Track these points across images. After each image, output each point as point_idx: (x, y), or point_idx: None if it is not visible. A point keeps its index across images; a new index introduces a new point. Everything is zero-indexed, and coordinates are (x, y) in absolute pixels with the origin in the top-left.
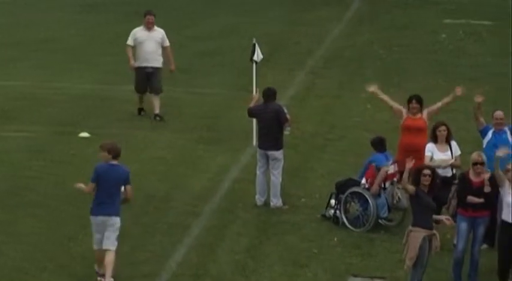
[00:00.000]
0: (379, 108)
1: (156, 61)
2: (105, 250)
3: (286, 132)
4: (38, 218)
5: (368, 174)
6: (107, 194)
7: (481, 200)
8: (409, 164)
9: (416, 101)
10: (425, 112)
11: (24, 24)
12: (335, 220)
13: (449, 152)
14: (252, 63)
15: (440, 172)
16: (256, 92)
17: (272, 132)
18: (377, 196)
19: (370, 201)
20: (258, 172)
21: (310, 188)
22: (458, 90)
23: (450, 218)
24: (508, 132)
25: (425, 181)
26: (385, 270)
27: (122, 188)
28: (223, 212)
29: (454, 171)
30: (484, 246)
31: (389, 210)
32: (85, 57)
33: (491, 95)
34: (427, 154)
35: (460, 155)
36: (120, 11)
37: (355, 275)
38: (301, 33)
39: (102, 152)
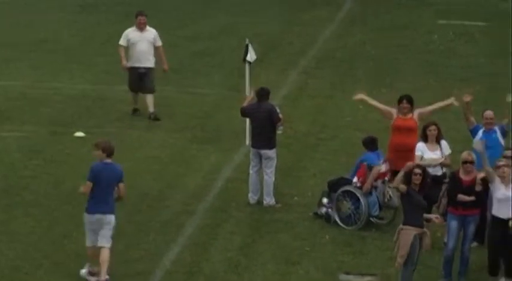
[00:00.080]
0: (371, 108)
1: (149, 61)
2: (100, 248)
3: (279, 131)
4: (34, 217)
5: (359, 173)
6: (102, 193)
7: (472, 198)
8: (409, 165)
9: (407, 101)
10: (416, 113)
11: (19, 25)
12: (327, 218)
13: (439, 152)
14: (245, 63)
15: (430, 171)
16: (250, 92)
17: (265, 131)
18: (368, 194)
19: (361, 199)
20: (251, 171)
21: (303, 186)
22: (454, 102)
23: (439, 217)
24: (498, 132)
25: (416, 179)
26: (376, 267)
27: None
28: (216, 210)
29: (444, 170)
30: (474, 244)
31: (380, 208)
32: (80, 58)
33: (482, 95)
34: (417, 153)
35: (450, 154)
36: (115, 12)
37: (347, 273)
38: (294, 34)
39: (96, 150)
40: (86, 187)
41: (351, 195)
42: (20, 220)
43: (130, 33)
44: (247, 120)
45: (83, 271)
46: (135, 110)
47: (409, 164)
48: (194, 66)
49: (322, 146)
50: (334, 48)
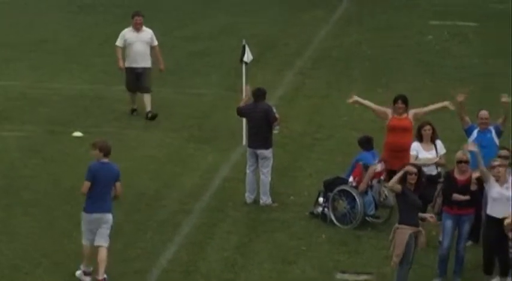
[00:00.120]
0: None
1: (146, 61)
2: (98, 247)
3: (275, 131)
4: (33, 216)
5: (355, 172)
6: (101, 192)
7: (466, 197)
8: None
9: (402, 102)
10: (411, 113)
11: (19, 25)
12: (323, 217)
13: (434, 151)
14: (242, 64)
15: (425, 170)
16: (244, 90)
17: (261, 131)
18: (364, 193)
19: (357, 199)
20: (247, 171)
21: (299, 186)
22: (449, 105)
23: (434, 216)
24: (493, 132)
25: (412, 179)
26: (372, 266)
27: None
28: (213, 210)
29: (439, 169)
30: (469, 243)
31: (376, 208)
32: (79, 58)
33: (476, 95)
34: (412, 153)
35: (445, 153)
36: (113, 13)
37: (343, 272)
38: (290, 35)
39: (93, 150)
40: (84, 186)
41: (346, 194)
42: (19, 219)
43: (127, 33)
44: (244, 120)
45: (78, 273)
46: (133, 110)
47: (410, 168)
48: (192, 67)
49: (318, 146)
50: (330, 49)
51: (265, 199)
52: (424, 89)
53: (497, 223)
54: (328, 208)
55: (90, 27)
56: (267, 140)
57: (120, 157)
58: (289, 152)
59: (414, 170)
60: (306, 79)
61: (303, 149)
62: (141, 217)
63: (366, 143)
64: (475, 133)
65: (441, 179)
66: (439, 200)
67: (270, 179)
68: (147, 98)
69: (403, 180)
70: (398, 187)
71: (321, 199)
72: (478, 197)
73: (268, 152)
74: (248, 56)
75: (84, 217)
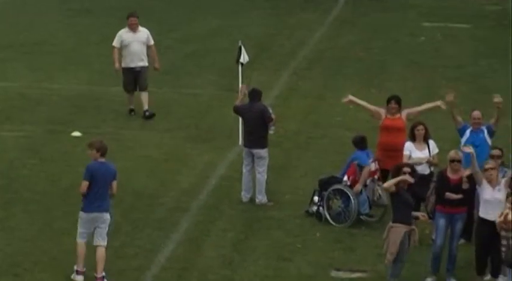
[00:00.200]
0: (360, 108)
1: (142, 61)
2: (96, 246)
3: (271, 131)
4: (32, 214)
5: (349, 172)
6: (98, 192)
7: (459, 196)
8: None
9: (395, 102)
10: (404, 113)
11: (17, 26)
12: (318, 216)
13: (427, 151)
14: (238, 65)
15: (418, 170)
16: (240, 89)
17: (257, 131)
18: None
19: (351, 198)
20: (243, 170)
21: (294, 185)
22: (441, 105)
23: (425, 215)
24: (485, 131)
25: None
26: (366, 264)
27: None
28: (210, 208)
29: (432, 169)
30: (462, 241)
31: (370, 206)
32: (76, 59)
33: (469, 95)
34: (405, 152)
35: (438, 153)
36: (110, 15)
37: (338, 269)
38: (285, 36)
39: (90, 150)
40: (83, 186)
41: (341, 193)
42: (18, 217)
43: (124, 34)
44: (240, 120)
45: (73, 276)
46: (130, 111)
47: (406, 177)
48: (187, 67)
49: (313, 145)
50: (324, 50)
51: (261, 198)
52: (417, 89)
53: (489, 225)
54: (323, 207)
55: (88, 29)
56: (263, 140)
57: (118, 157)
58: (285, 151)
59: (411, 180)
60: (300, 80)
61: (298, 149)
62: (139, 215)
63: (360, 143)
64: (467, 133)
65: (434, 179)
66: (432, 199)
67: (265, 178)
68: (144, 97)
69: (397, 182)
70: (393, 187)
71: (316, 198)
72: (471, 195)
73: (264, 152)
74: (244, 57)
75: (82, 216)
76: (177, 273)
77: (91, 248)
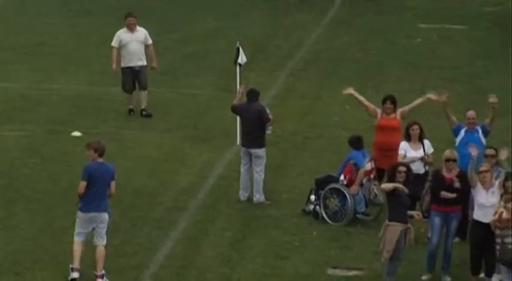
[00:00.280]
0: (357, 108)
1: (141, 60)
2: (96, 246)
3: (269, 131)
4: (33, 212)
5: (346, 171)
6: (97, 192)
7: (454, 195)
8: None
9: (391, 102)
10: (398, 112)
11: (17, 28)
12: (315, 214)
13: (421, 150)
14: (236, 65)
15: (413, 169)
16: (239, 89)
17: (255, 131)
18: None
19: (348, 197)
20: (241, 169)
21: (291, 184)
22: (431, 97)
23: (420, 214)
24: (480, 131)
25: (401, 177)
26: (363, 262)
27: None
28: (208, 207)
29: (427, 168)
30: (457, 239)
31: (366, 205)
32: (76, 60)
33: (464, 96)
34: (401, 152)
35: (433, 153)
36: (109, 16)
37: (334, 267)
38: (282, 37)
39: (88, 151)
40: (80, 186)
41: (337, 192)
42: (19, 216)
43: (122, 34)
44: (238, 120)
45: (69, 273)
46: (130, 111)
47: (401, 187)
48: (185, 68)
49: (310, 145)
50: (321, 51)
51: (259, 197)
52: (413, 90)
53: (484, 227)
54: (319, 206)
55: (88, 30)
56: (260, 140)
57: (118, 156)
58: (282, 151)
59: (406, 190)
60: (297, 80)
61: (295, 148)
62: (138, 214)
63: (356, 143)
64: (462, 133)
65: (429, 178)
66: (427, 198)
67: (263, 177)
68: (143, 96)
69: (393, 179)
70: (390, 187)
71: (312, 197)
72: (465, 194)
73: (261, 151)
74: (242, 58)
75: (80, 216)
76: (176, 271)
77: (91, 247)
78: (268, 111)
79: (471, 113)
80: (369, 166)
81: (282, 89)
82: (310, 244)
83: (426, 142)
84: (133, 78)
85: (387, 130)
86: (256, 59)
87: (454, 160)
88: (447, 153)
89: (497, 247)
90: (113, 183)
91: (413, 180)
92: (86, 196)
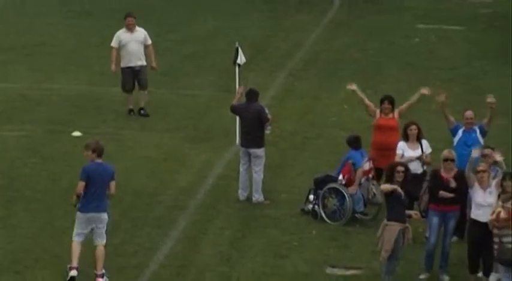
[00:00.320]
0: (355, 108)
1: (140, 60)
2: (96, 245)
3: (267, 131)
4: (33, 212)
5: (344, 171)
6: (95, 192)
7: (452, 195)
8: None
9: (389, 102)
10: (396, 112)
11: (18, 29)
12: (313, 214)
13: (419, 150)
14: (235, 66)
15: (411, 169)
16: (238, 89)
17: (254, 131)
18: None
19: (346, 196)
20: (240, 169)
21: (290, 184)
22: (425, 91)
23: (418, 213)
24: (478, 131)
25: (399, 177)
26: (361, 261)
27: None
28: (207, 206)
29: (425, 168)
30: (455, 238)
31: (365, 205)
32: (76, 60)
33: (463, 97)
34: (398, 151)
35: (431, 152)
36: (109, 17)
37: (333, 266)
38: (281, 38)
39: (87, 151)
40: (78, 186)
41: (336, 192)
42: (19, 215)
43: (122, 34)
44: (237, 120)
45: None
46: (130, 111)
47: (398, 189)
48: (185, 69)
49: (309, 145)
50: (320, 51)
51: (258, 197)
52: (411, 90)
53: (481, 226)
54: (318, 205)
55: (88, 30)
56: (259, 140)
57: (118, 157)
58: (281, 151)
59: (401, 193)
60: (296, 81)
61: (294, 148)
62: (139, 214)
63: (355, 142)
64: (460, 133)
65: (427, 178)
66: (425, 198)
67: (262, 177)
68: (143, 96)
69: (391, 178)
70: (389, 187)
71: (311, 197)
72: (463, 194)
73: (260, 151)
74: (241, 59)
75: (79, 216)
76: (176, 270)
77: (91, 247)
78: (267, 111)
79: (469, 113)
80: (367, 165)
81: (281, 90)
82: (309, 243)
83: (424, 142)
84: (133, 78)
85: (385, 130)
86: (255, 60)
87: (452, 160)
88: (445, 153)
89: (495, 247)
90: (112, 183)
91: (411, 180)
92: (84, 196)
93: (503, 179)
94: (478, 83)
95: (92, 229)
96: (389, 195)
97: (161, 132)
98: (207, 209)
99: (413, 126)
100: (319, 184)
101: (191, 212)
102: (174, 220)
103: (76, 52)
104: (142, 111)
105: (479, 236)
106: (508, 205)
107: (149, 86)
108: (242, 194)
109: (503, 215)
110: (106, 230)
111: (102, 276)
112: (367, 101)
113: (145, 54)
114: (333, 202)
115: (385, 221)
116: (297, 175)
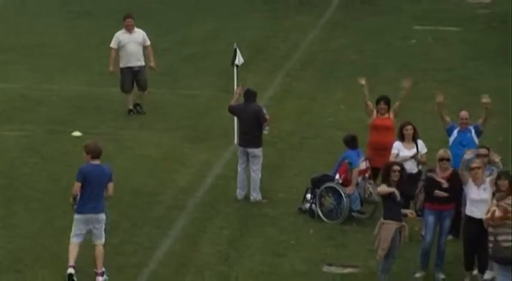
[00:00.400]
0: (352, 108)
1: (139, 61)
2: (95, 245)
3: (265, 132)
4: (33, 212)
5: (341, 170)
6: (92, 193)
7: (447, 194)
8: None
9: (385, 103)
10: (391, 112)
11: (18, 29)
12: (311, 213)
13: (415, 150)
14: (233, 67)
15: (406, 168)
16: (236, 90)
17: (252, 131)
18: None
19: (343, 195)
20: (239, 168)
21: (288, 183)
22: (405, 84)
23: (413, 212)
24: (473, 131)
25: (395, 176)
26: (358, 259)
27: None
28: (206, 206)
29: (420, 167)
30: (450, 237)
31: (361, 203)
32: (76, 61)
33: (460, 98)
34: (394, 151)
35: (427, 152)
36: (109, 17)
37: (330, 265)
38: (279, 39)
39: (84, 152)
40: (74, 187)
41: (333, 191)
42: (19, 214)
43: (120, 35)
44: (236, 120)
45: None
46: (129, 111)
47: (395, 192)
48: (185, 69)
49: (306, 145)
50: (317, 52)
51: (256, 196)
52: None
53: (476, 223)
54: (315, 204)
55: (88, 31)
56: (257, 140)
57: (117, 156)
58: (279, 151)
59: (398, 195)
60: (294, 81)
61: (291, 148)
62: (138, 213)
63: (351, 142)
64: (455, 133)
65: (422, 177)
66: (420, 197)
67: (260, 176)
68: (142, 95)
69: (387, 178)
70: (387, 189)
71: (308, 196)
72: (458, 193)
73: (258, 151)
74: (239, 59)
75: (77, 217)
76: (175, 269)
77: (90, 246)
78: (265, 111)
79: (464, 114)
80: (363, 165)
81: (279, 90)
82: (307, 242)
83: (420, 142)
84: (132, 78)
85: (381, 130)
86: (255, 60)
87: (448, 159)
88: (441, 152)
89: (490, 245)
90: (110, 184)
91: (407, 179)
92: (81, 197)
93: (498, 178)
94: (473, 84)
95: (90, 230)
96: (387, 197)
97: (160, 132)
98: (206, 209)
99: (409, 126)
100: (316, 183)
101: (190, 212)
102: (173, 219)
103: (76, 53)
104: (138, 108)
105: (475, 233)
106: (502, 203)
107: (149, 87)
108: (240, 193)
109: (498, 214)
110: (105, 230)
111: (102, 274)
112: (367, 101)
113: (144, 55)
114: (330, 201)
115: (381, 219)
116: (294, 175)
